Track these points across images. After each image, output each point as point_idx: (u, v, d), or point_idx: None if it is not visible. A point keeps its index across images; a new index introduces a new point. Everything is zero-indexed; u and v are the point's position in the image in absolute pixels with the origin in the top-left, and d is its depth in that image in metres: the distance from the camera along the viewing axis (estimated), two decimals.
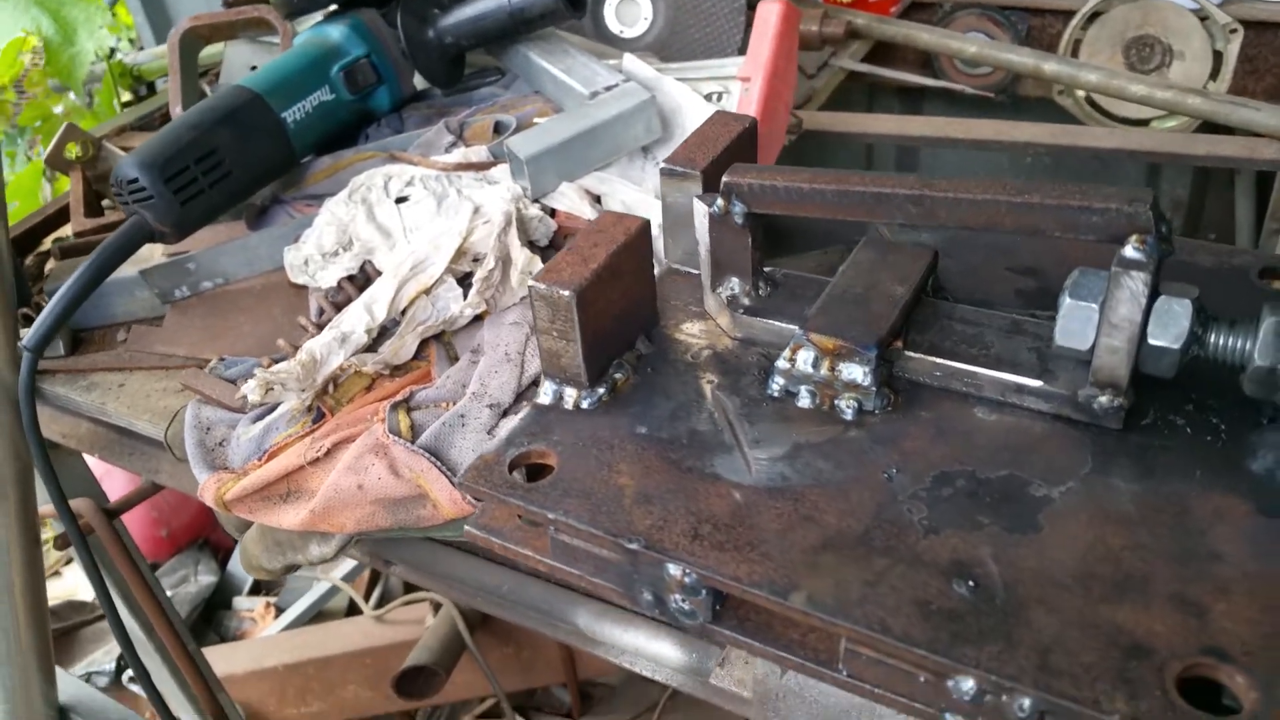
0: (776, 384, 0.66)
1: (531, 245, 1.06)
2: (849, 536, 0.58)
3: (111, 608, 1.13)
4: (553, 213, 1.10)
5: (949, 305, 0.68)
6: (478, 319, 1.04)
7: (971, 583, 0.55)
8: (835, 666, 0.56)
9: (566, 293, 0.63)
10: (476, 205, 1.06)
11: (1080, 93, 1.40)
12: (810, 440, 0.63)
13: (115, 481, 1.92)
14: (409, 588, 2.14)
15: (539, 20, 1.17)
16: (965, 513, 0.58)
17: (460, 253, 1.04)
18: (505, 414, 0.94)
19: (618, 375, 0.68)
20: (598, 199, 1.12)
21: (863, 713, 0.63)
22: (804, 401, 0.66)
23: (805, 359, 0.65)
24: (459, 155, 1.15)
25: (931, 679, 0.53)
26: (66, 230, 1.30)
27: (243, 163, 1.11)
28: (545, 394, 0.68)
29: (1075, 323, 0.61)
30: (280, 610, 2.27)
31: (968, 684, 0.52)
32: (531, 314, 0.65)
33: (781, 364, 0.66)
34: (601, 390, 0.67)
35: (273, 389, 0.99)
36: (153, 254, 1.19)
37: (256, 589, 2.39)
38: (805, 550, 0.57)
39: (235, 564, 2.41)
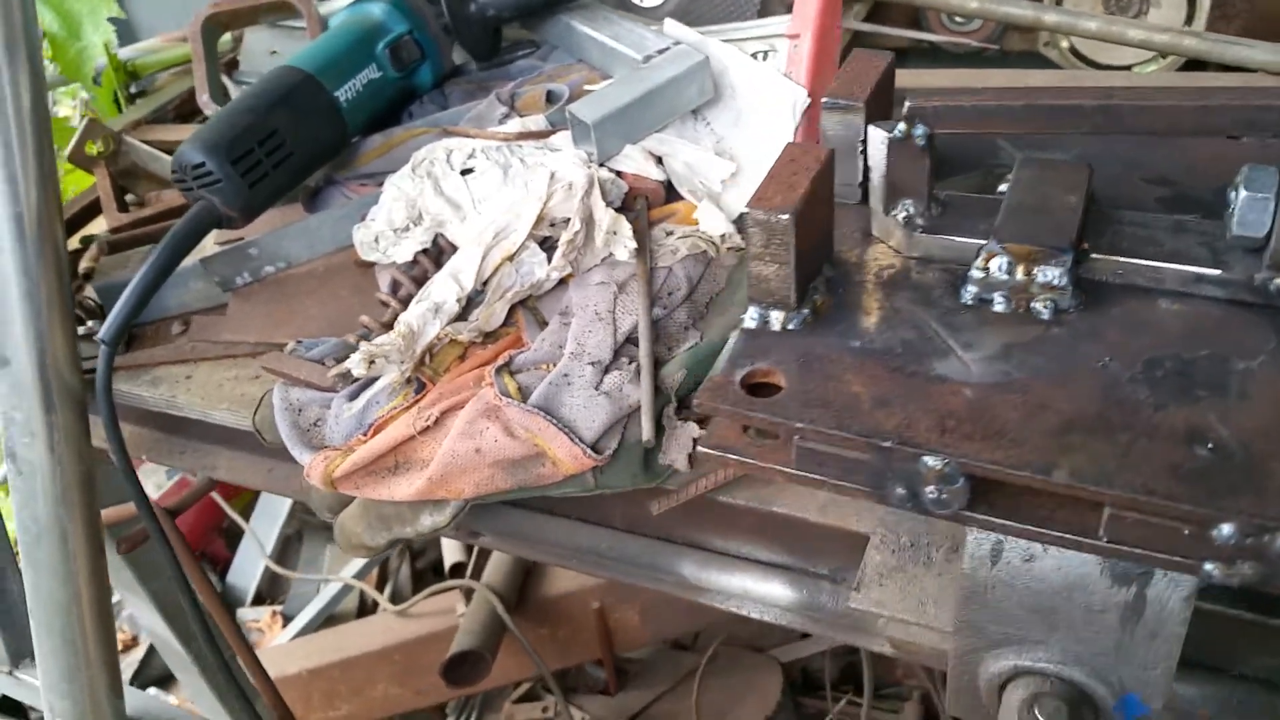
0: (970, 292, 0.70)
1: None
2: (1086, 418, 0.62)
3: (197, 609, 1.09)
4: (618, 174, 1.12)
5: (1116, 211, 0.73)
6: (561, 283, 1.06)
7: (1210, 445, 0.60)
8: (1096, 535, 0.61)
9: (786, 216, 0.66)
10: (552, 171, 1.08)
11: (1064, 43, 1.49)
12: (1017, 340, 0.68)
13: None
14: (420, 583, 2.11)
15: None
16: (1182, 389, 0.63)
17: (539, 218, 1.05)
18: (607, 370, 0.96)
19: (816, 297, 0.71)
20: (658, 160, 1.14)
21: (1074, 591, 0.68)
22: (999, 306, 0.70)
23: (999, 265, 0.69)
24: (518, 125, 1.15)
25: (1195, 530, 0.58)
26: (93, 228, 1.25)
27: (302, 143, 1.10)
28: (750, 319, 0.70)
29: (1252, 213, 0.67)
30: (287, 619, 2.20)
31: (1228, 530, 0.57)
32: (745, 241, 0.67)
33: (975, 273, 0.70)
34: (805, 311, 0.70)
35: (375, 362, 0.98)
36: (204, 244, 1.16)
37: (260, 599, 2.31)
38: (1049, 433, 0.61)
39: (235, 574, 2.33)
